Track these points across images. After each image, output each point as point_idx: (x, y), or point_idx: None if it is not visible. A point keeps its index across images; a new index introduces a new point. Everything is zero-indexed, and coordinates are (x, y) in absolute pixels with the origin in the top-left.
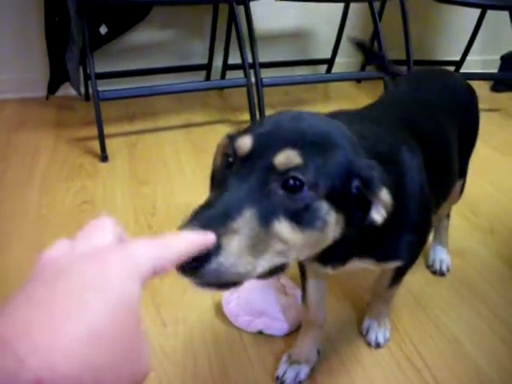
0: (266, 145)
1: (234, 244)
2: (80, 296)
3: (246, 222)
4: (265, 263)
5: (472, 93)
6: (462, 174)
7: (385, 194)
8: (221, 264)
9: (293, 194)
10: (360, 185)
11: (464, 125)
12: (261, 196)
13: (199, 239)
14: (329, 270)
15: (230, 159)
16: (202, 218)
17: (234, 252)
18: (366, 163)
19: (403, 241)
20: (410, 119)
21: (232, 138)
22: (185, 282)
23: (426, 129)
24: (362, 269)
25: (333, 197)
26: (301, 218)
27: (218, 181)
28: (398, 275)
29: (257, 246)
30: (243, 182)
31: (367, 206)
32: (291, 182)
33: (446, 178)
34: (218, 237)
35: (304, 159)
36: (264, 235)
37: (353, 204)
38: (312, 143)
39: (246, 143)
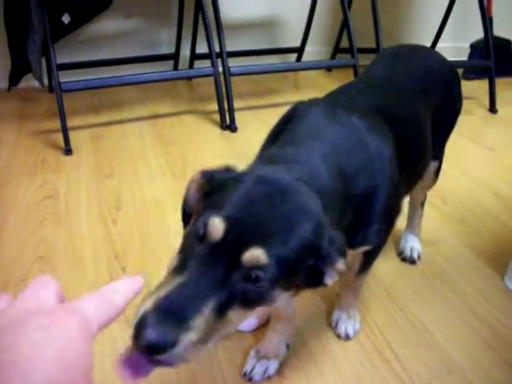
0: (237, 237)
1: (189, 340)
2: (42, 350)
3: (204, 319)
4: (212, 345)
5: (453, 72)
6: (438, 156)
7: (340, 265)
8: (174, 355)
9: (251, 285)
10: (316, 262)
11: (443, 105)
12: (221, 288)
13: (136, 287)
14: None
15: (201, 232)
16: (162, 312)
17: (188, 346)
18: (327, 240)
19: (373, 228)
20: (384, 102)
21: (208, 177)
22: (148, 280)
23: (400, 111)
24: None
25: (287, 284)
26: (252, 303)
27: (186, 252)
28: (367, 261)
29: (208, 335)
30: (208, 272)
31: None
32: (253, 276)
33: (419, 160)
34: (176, 333)
35: (269, 260)
36: (216, 324)
37: (306, 277)
38: (280, 237)
39: (217, 231)
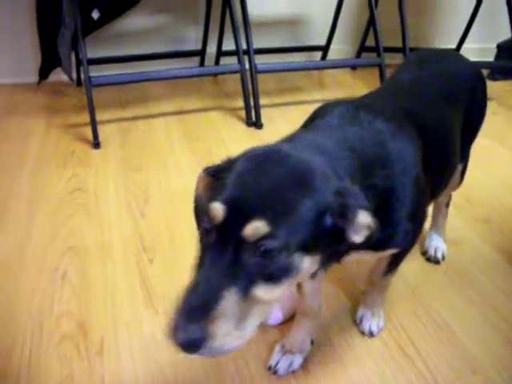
0: (236, 214)
1: (219, 328)
2: None
3: (227, 304)
4: (252, 327)
5: (479, 77)
6: (464, 158)
7: (363, 217)
8: (211, 348)
9: (265, 260)
10: (332, 219)
11: (469, 109)
12: (237, 270)
13: None
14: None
15: (207, 226)
16: (186, 313)
17: (221, 334)
18: (338, 193)
19: (399, 230)
20: (411, 106)
21: (211, 173)
22: (176, 271)
23: (428, 118)
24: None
25: (305, 246)
26: (276, 276)
27: (202, 249)
28: (394, 263)
29: (241, 317)
30: (219, 259)
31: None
32: (262, 249)
33: (448, 163)
34: (203, 327)
35: (271, 226)
36: (246, 305)
37: (327, 238)
38: (279, 203)
39: (218, 214)
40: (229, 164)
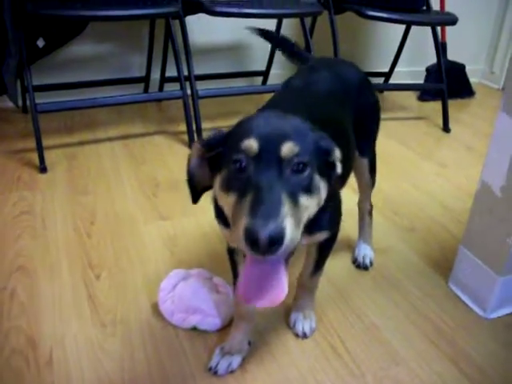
0: (269, 142)
1: (290, 224)
2: None
3: (288, 207)
4: (300, 228)
5: (364, 79)
6: (365, 153)
7: (339, 154)
8: (289, 239)
9: (301, 174)
10: (324, 154)
11: (359, 107)
12: (284, 183)
13: None
14: None
15: (243, 164)
16: (263, 215)
17: (291, 229)
18: (323, 138)
19: (326, 216)
20: (304, 106)
21: (205, 145)
22: (122, 286)
23: (318, 113)
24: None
25: (318, 169)
26: (309, 189)
27: (240, 181)
28: (320, 260)
29: (296, 220)
30: (268, 176)
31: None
32: (299, 166)
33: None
34: (280, 223)
35: (299, 147)
36: (297, 210)
37: (326, 169)
38: (296, 134)
39: (254, 146)
40: (221, 134)
